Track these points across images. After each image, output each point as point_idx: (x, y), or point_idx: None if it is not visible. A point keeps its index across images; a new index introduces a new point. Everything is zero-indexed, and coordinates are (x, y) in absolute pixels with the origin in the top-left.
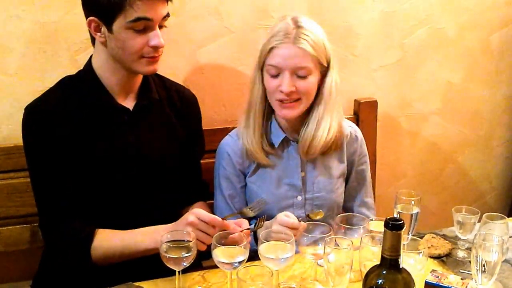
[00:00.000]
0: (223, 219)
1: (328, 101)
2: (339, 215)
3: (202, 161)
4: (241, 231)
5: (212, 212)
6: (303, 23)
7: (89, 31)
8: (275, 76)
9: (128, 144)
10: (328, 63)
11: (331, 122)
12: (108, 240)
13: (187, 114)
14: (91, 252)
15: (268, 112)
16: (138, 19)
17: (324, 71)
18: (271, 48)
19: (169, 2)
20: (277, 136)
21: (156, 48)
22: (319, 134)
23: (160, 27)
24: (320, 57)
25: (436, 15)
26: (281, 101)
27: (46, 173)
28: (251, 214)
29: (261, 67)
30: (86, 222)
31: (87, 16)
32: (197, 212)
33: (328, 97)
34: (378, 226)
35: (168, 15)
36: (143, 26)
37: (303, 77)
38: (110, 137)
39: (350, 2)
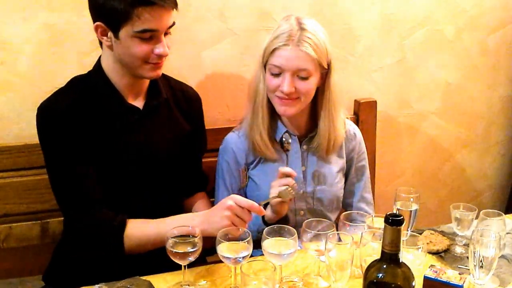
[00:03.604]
0: (259, 204)
1: (336, 101)
2: (344, 213)
3: (207, 159)
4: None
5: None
6: (306, 25)
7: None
8: (277, 75)
9: (138, 142)
10: (329, 65)
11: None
12: (141, 229)
13: (191, 112)
14: (124, 240)
15: (271, 109)
16: (145, 31)
17: (324, 73)
18: (274, 49)
19: (174, 10)
20: (279, 131)
21: (160, 56)
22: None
23: (165, 34)
24: (321, 59)
25: (435, 16)
26: (280, 98)
27: (68, 169)
28: (289, 196)
29: (264, 65)
30: (114, 211)
31: (94, 21)
32: (235, 197)
33: (335, 97)
34: (382, 222)
35: (174, 23)
36: (149, 35)
37: (304, 79)
38: (120, 137)
39: (350, 4)
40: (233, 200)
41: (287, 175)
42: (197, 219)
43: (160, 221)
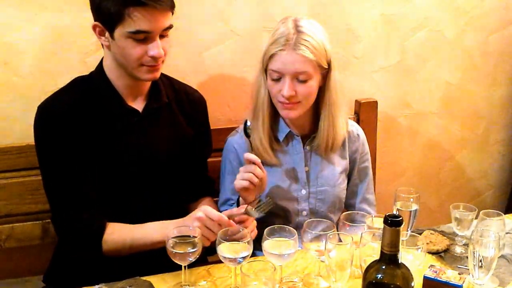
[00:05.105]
0: (229, 218)
1: (336, 100)
2: (344, 213)
3: (209, 159)
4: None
5: (218, 208)
6: (303, 27)
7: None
8: (277, 79)
9: (137, 145)
10: (329, 64)
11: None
12: (118, 233)
13: (195, 116)
14: (102, 244)
15: (274, 111)
16: (137, 32)
17: (325, 72)
18: (272, 55)
19: (173, 12)
20: (282, 131)
21: (155, 58)
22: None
23: (162, 36)
24: (320, 60)
25: (435, 17)
26: (282, 102)
27: (58, 169)
28: (256, 215)
29: (264, 69)
30: (97, 216)
31: (94, 20)
32: (205, 209)
33: (336, 96)
34: (381, 223)
35: (170, 26)
36: (143, 37)
37: (304, 81)
38: (119, 138)
39: (351, 5)
40: (203, 212)
41: (252, 162)
42: (171, 227)
43: (136, 226)
